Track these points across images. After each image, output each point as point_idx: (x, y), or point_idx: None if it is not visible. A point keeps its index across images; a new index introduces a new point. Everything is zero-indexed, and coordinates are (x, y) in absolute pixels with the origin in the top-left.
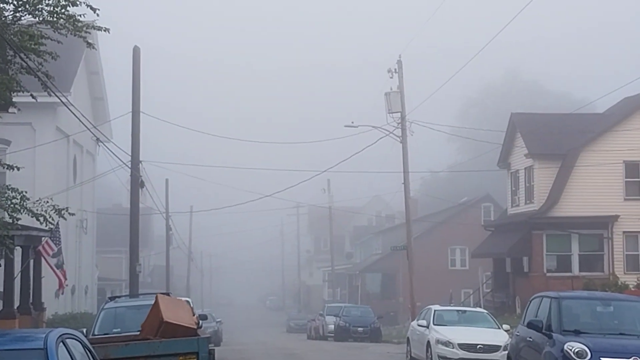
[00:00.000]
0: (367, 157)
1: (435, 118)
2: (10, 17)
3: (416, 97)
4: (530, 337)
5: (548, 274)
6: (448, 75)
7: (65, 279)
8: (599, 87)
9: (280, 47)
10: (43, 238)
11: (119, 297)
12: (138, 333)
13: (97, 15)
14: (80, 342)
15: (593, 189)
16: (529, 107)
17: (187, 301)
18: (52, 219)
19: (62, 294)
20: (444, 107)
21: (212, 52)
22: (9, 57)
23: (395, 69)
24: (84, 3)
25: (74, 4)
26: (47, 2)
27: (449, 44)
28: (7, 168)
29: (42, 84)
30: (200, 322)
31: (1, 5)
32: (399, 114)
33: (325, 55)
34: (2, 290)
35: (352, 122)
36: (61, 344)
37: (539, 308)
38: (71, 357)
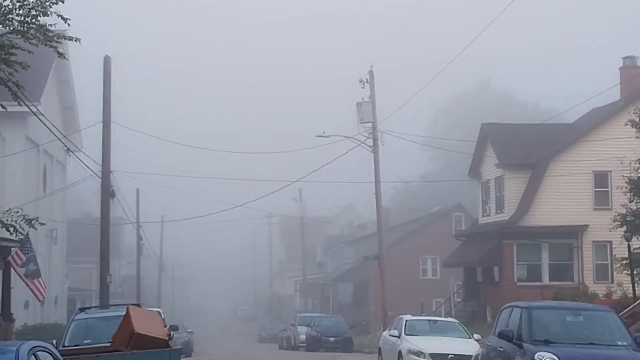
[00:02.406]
0: (339, 166)
1: (406, 128)
2: None
3: (388, 107)
4: (501, 347)
5: (519, 284)
6: (419, 86)
7: (44, 288)
8: (568, 97)
9: (253, 57)
10: (13, 249)
11: (89, 308)
12: (109, 344)
13: (68, 25)
14: (51, 354)
15: (563, 199)
16: (499, 117)
17: (158, 312)
18: (23, 229)
19: (40, 301)
20: (415, 117)
21: (184, 63)
22: None
23: (366, 79)
24: (55, 13)
25: (45, 14)
26: (17, 12)
27: (420, 55)
28: None
29: (12, 94)
30: (172, 333)
31: None
32: (371, 124)
33: (297, 66)
34: None
35: (324, 132)
36: (32, 356)
37: (509, 318)
38: None
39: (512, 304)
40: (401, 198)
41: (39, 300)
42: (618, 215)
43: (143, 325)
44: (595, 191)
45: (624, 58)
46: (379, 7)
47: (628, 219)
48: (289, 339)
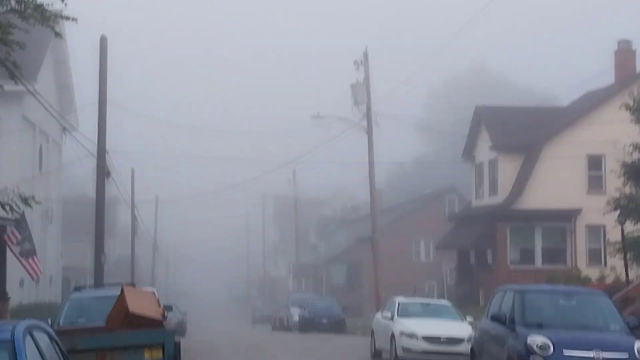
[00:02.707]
0: (333, 148)
1: (401, 110)
2: None
3: (382, 89)
4: (493, 330)
5: (511, 267)
6: (414, 68)
7: (39, 267)
8: (563, 80)
9: (248, 39)
10: (8, 227)
11: (84, 287)
12: (103, 324)
13: (65, 4)
14: (47, 333)
15: (556, 182)
16: (493, 100)
17: (153, 292)
18: (18, 208)
19: (34, 280)
20: (409, 100)
21: (180, 43)
22: None
23: (361, 61)
24: None
25: None
26: None
27: (415, 37)
28: None
29: (8, 73)
30: (166, 313)
31: None
32: (365, 105)
33: (293, 47)
34: None
35: (319, 114)
36: (28, 335)
37: (502, 301)
38: (38, 349)
39: (505, 287)
40: (394, 180)
41: (33, 279)
42: (612, 199)
43: (137, 305)
44: (589, 175)
45: (619, 41)
46: None
47: (622, 203)
48: (282, 320)
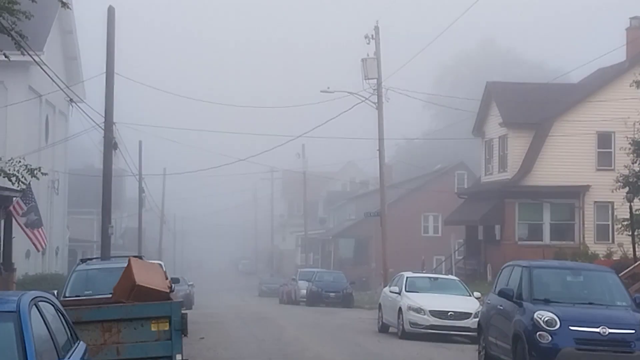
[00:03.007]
0: (342, 123)
1: (411, 85)
2: None
3: (393, 64)
4: (501, 305)
5: (519, 242)
6: (425, 43)
7: (44, 238)
8: (574, 57)
9: (259, 11)
10: (14, 198)
11: (90, 259)
12: (110, 296)
13: None
14: (53, 304)
15: (566, 159)
16: (503, 76)
17: (160, 264)
18: (25, 179)
19: (39, 251)
20: (420, 75)
21: (189, 16)
22: None
23: (372, 35)
24: None
25: None
26: None
27: (426, 12)
28: None
29: (15, 43)
30: (173, 285)
31: None
32: (375, 80)
33: (303, 21)
34: None
35: (328, 88)
36: (34, 307)
37: (510, 277)
38: (43, 320)
39: (513, 262)
40: (404, 155)
41: (38, 250)
42: (620, 176)
43: (144, 277)
44: (598, 152)
45: (631, 19)
46: None
47: (630, 180)
48: (290, 294)
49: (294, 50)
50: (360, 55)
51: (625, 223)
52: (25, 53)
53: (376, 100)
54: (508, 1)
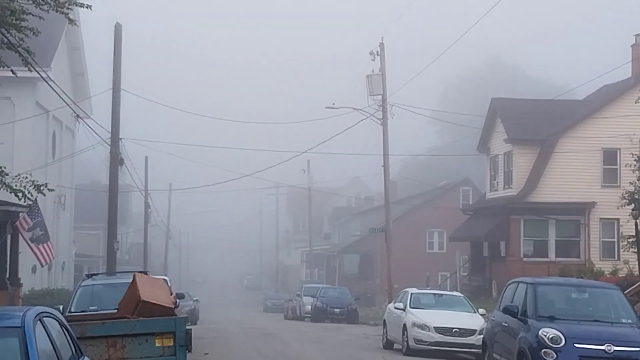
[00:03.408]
0: (347, 138)
1: (416, 101)
2: None
3: (398, 80)
4: (505, 322)
5: (525, 259)
6: (430, 59)
7: (51, 252)
8: (579, 74)
9: (265, 27)
10: (21, 214)
11: (96, 274)
12: (115, 311)
13: None
14: (57, 320)
15: (571, 176)
16: (509, 92)
17: (165, 280)
18: (31, 195)
19: (42, 266)
20: (425, 91)
21: (195, 31)
22: None
23: (377, 52)
24: None
25: None
26: None
27: (431, 29)
28: None
29: (22, 60)
30: (178, 301)
31: None
32: (380, 96)
33: (308, 37)
34: None
35: (333, 104)
36: (38, 322)
37: (515, 293)
38: (48, 336)
39: (518, 279)
40: (409, 171)
41: (42, 266)
42: (626, 193)
43: (149, 292)
44: (603, 168)
45: (636, 35)
46: None
47: (636, 196)
48: (295, 309)
49: (300, 66)
50: (365, 71)
51: (631, 240)
52: (33, 69)
53: (381, 116)
54: (514, 18)
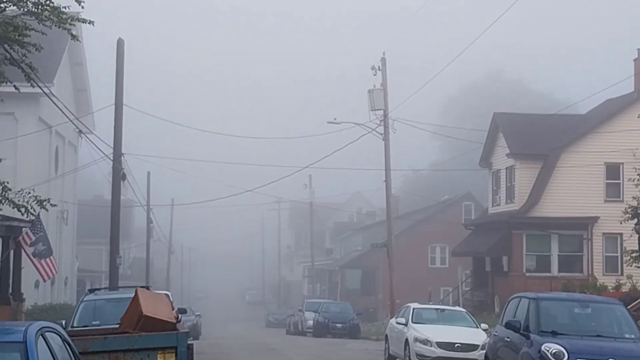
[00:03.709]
0: (349, 153)
1: (417, 116)
2: None
3: (399, 95)
4: (508, 337)
5: (527, 274)
6: (432, 74)
7: (54, 267)
8: (581, 88)
9: (266, 41)
10: (24, 229)
11: (98, 289)
12: (117, 326)
13: (82, 7)
14: (60, 335)
15: (574, 190)
16: (511, 107)
17: (167, 295)
18: (34, 210)
19: (45, 281)
20: (426, 106)
21: (196, 47)
22: None
23: (379, 67)
24: None
25: None
26: None
27: (433, 44)
28: None
29: (25, 75)
30: (180, 316)
31: None
32: (382, 111)
33: (310, 52)
34: None
35: (335, 119)
36: (40, 337)
37: (517, 308)
38: (50, 351)
39: (520, 294)
40: (411, 186)
41: (44, 280)
42: (629, 208)
43: (151, 307)
44: (606, 183)
45: (639, 50)
46: None
47: (639, 211)
48: (297, 325)
49: (301, 81)
50: (367, 86)
51: (634, 255)
52: (36, 85)
53: (383, 131)
54: (516, 32)
